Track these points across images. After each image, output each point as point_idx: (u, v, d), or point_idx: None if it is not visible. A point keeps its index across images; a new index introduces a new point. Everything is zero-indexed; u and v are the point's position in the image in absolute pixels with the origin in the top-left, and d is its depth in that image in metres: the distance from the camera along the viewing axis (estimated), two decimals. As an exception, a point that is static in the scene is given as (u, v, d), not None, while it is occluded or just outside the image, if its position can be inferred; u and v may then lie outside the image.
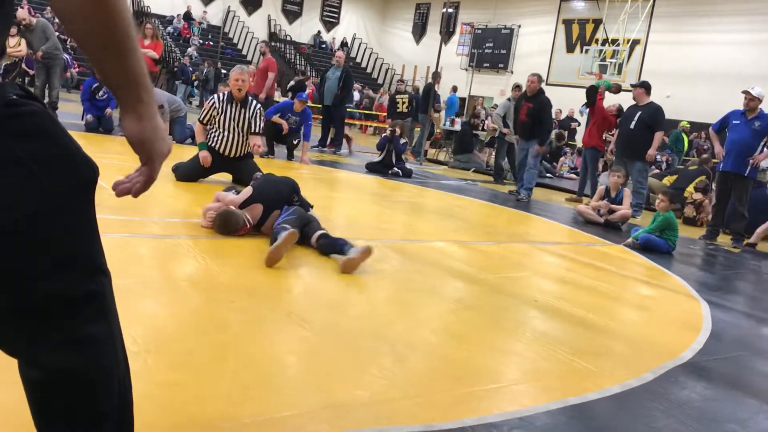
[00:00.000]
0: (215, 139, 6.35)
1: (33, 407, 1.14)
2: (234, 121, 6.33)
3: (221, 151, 6.33)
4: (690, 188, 9.42)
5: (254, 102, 6.52)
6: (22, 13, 10.56)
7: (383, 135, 10.44)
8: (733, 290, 5.43)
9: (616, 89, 10.35)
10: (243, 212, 4.28)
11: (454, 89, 18.13)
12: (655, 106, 8.87)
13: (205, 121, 6.39)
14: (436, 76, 13.71)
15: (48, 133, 1.01)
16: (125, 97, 1.10)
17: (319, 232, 4.20)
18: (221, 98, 6.39)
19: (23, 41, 10.46)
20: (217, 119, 6.34)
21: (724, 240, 7.85)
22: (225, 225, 4.18)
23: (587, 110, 10.20)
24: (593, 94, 10.02)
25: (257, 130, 6.44)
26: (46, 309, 1.04)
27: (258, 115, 6.44)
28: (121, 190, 1.20)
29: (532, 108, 9.19)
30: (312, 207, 4.80)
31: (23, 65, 12.66)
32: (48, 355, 1.06)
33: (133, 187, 1.19)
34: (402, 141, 10.18)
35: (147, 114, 1.11)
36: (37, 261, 1.01)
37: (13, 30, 10.90)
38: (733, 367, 3.23)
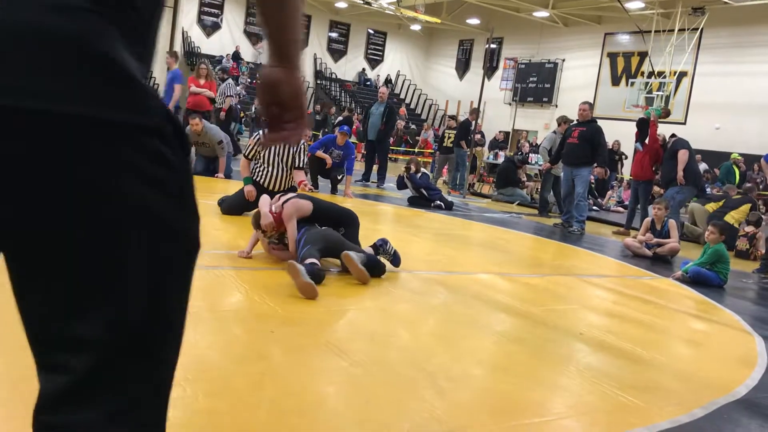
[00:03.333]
0: (260, 173, 6.44)
1: None
2: (278, 156, 6.41)
3: (265, 185, 6.41)
4: (732, 214, 9.22)
5: None
6: None
7: (399, 175, 10.52)
8: (790, 325, 5.22)
9: (666, 113, 10.29)
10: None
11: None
12: (677, 139, 9.33)
13: (250, 156, 6.49)
14: (473, 111, 13.77)
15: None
16: (294, 51, 1.15)
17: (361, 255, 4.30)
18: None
19: None
20: (261, 154, 6.43)
21: (779, 274, 7.58)
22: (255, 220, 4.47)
23: (641, 145, 10.07)
24: (646, 126, 9.91)
25: (301, 165, 6.52)
26: None
27: (302, 150, 6.52)
28: (283, 136, 1.20)
29: (585, 131, 9.18)
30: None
31: None
32: None
33: (292, 135, 1.20)
34: (419, 175, 10.16)
35: (300, 70, 1.17)
36: None
37: None
38: (790, 405, 3.08)
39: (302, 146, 6.54)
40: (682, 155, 8.84)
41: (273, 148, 6.40)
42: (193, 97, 11.26)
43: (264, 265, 4.32)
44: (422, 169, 10.44)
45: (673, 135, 9.55)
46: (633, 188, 10.25)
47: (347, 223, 4.76)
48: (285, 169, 6.44)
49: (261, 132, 6.57)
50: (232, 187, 7.55)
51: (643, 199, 9.87)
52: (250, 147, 6.52)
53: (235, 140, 14.26)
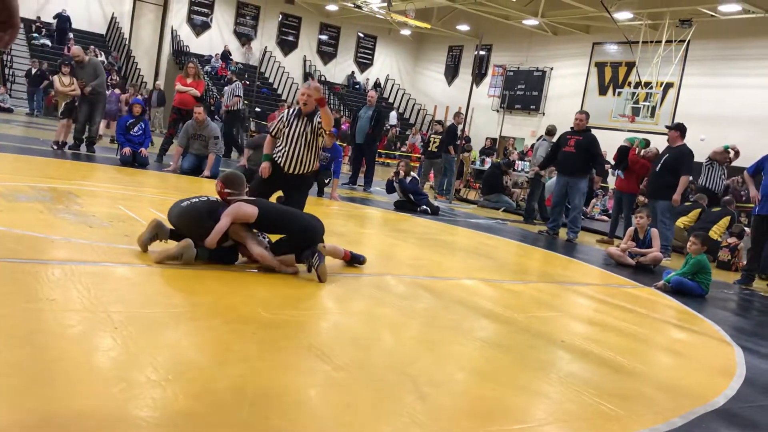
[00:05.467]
0: (279, 153, 6.14)
1: None
2: (300, 134, 6.07)
3: (282, 165, 6.11)
4: (715, 229, 9.28)
5: (317, 115, 6.14)
6: (76, 50, 10.91)
7: (388, 179, 10.51)
8: (769, 336, 5.27)
9: (647, 144, 10.37)
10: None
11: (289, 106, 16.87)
12: (683, 150, 8.72)
13: (274, 134, 6.20)
14: (457, 114, 13.81)
15: None
16: None
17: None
18: (290, 112, 6.18)
19: (75, 80, 10.75)
20: (284, 132, 6.12)
21: (760, 285, 7.65)
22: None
23: (622, 172, 10.11)
24: (626, 155, 10.02)
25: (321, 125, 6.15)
26: None
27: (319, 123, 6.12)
28: None
29: (581, 140, 9.18)
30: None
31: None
32: None
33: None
34: (408, 179, 10.16)
35: None
36: None
37: (66, 69, 11.24)
38: (768, 415, 3.12)
39: (318, 121, 6.07)
40: (684, 181, 8.55)
41: (295, 126, 6.06)
42: (179, 95, 11.27)
43: (247, 267, 4.31)
44: (412, 173, 10.45)
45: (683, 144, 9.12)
46: (616, 198, 10.31)
47: (296, 229, 4.47)
48: (304, 148, 6.07)
49: (286, 110, 6.37)
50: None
51: (626, 208, 9.94)
52: (274, 124, 6.35)
53: (237, 142, 14.24)
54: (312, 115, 6.07)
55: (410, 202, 9.96)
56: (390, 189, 10.41)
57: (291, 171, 6.15)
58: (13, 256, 3.68)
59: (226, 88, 13.55)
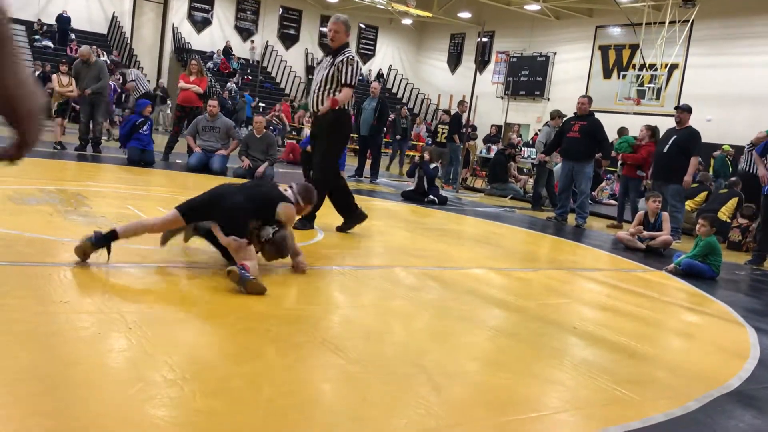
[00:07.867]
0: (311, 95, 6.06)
1: None
2: (324, 70, 5.99)
3: (313, 108, 6.07)
4: (723, 210, 9.25)
5: (346, 51, 6.00)
6: (85, 49, 10.95)
7: (412, 162, 10.54)
8: (782, 316, 5.25)
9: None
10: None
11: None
12: (691, 131, 8.67)
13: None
14: (461, 104, 13.77)
15: None
16: None
17: None
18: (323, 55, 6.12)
19: (73, 81, 10.79)
20: (316, 71, 6.12)
21: (771, 265, 7.63)
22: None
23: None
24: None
25: (349, 81, 5.90)
26: None
27: (346, 64, 5.89)
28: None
29: (585, 126, 9.14)
30: None
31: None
32: None
33: (6, 153, 1.15)
34: (432, 166, 10.18)
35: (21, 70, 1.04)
36: None
37: (64, 68, 11.27)
38: (783, 396, 3.11)
39: (346, 60, 5.91)
40: (695, 162, 8.49)
41: (323, 63, 6.05)
42: (183, 93, 11.31)
43: (259, 264, 4.31)
44: (435, 163, 10.46)
45: (688, 127, 8.86)
46: (623, 182, 10.27)
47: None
48: (324, 86, 5.95)
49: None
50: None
51: (633, 192, 9.90)
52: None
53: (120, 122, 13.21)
54: (336, 53, 5.97)
55: (419, 192, 9.94)
56: (412, 174, 10.38)
57: (317, 110, 6.04)
58: (24, 260, 3.70)
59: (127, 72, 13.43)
